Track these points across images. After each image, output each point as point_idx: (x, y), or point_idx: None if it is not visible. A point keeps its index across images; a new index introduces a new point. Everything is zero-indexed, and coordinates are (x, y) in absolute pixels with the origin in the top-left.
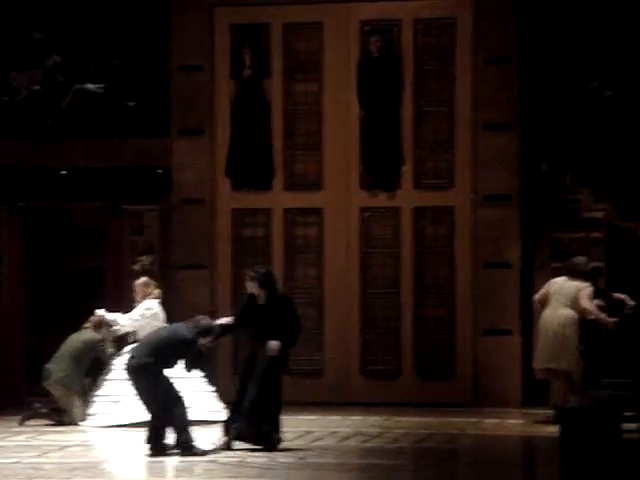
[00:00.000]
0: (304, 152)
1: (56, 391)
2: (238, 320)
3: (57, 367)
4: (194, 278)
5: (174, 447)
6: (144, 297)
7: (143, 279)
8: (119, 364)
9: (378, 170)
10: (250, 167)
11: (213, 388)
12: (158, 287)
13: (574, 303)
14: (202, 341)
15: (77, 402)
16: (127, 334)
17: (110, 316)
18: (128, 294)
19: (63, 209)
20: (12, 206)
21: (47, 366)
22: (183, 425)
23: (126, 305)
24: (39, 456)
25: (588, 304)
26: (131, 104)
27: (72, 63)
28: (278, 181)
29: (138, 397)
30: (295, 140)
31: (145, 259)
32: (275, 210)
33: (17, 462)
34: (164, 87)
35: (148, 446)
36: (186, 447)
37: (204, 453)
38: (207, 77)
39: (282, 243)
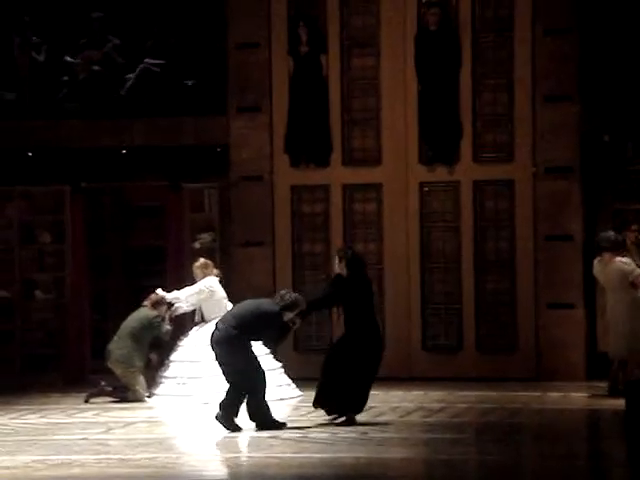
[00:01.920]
0: (362, 127)
1: (117, 369)
2: (324, 299)
3: (116, 346)
4: (254, 255)
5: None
6: (203, 278)
7: (201, 261)
8: (185, 345)
9: (437, 144)
10: (308, 143)
11: (279, 364)
12: (216, 266)
13: (624, 284)
14: (288, 316)
15: (139, 379)
16: (189, 313)
17: (170, 295)
18: (188, 272)
19: (123, 188)
20: (74, 186)
21: (108, 346)
22: (259, 396)
23: (186, 283)
24: (105, 432)
25: None
26: (189, 82)
27: (130, 43)
28: (336, 157)
29: (220, 367)
30: (353, 115)
31: (205, 237)
32: (334, 186)
33: (84, 438)
34: (221, 65)
35: (218, 413)
36: (262, 421)
37: (282, 426)
38: (264, 54)
39: (341, 219)
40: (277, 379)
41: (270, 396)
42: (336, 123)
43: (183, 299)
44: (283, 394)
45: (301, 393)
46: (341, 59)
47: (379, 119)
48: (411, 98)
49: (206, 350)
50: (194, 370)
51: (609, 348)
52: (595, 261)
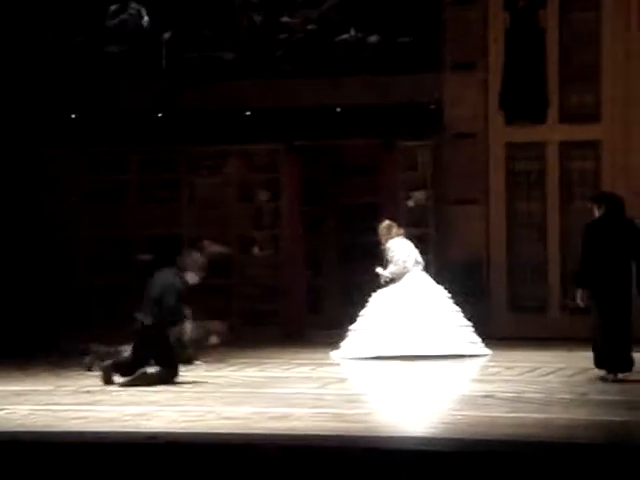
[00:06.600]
0: (580, 83)
1: None
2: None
3: None
4: (467, 213)
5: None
6: (387, 240)
7: (385, 222)
8: (375, 298)
9: None
10: (524, 100)
11: (469, 323)
12: (401, 228)
13: None
14: (192, 278)
15: None
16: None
17: (385, 273)
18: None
19: (337, 146)
20: (289, 144)
21: None
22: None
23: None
24: (321, 387)
25: None
26: (404, 40)
27: (347, 2)
28: (553, 113)
29: None
30: (571, 71)
31: (419, 195)
32: (550, 143)
33: (300, 392)
34: (436, 22)
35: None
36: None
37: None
38: (480, 10)
39: (557, 177)
40: (468, 336)
41: (462, 350)
42: (553, 79)
43: (394, 272)
44: (475, 351)
45: (489, 352)
46: (560, 13)
47: (599, 75)
48: (635, 53)
49: (385, 317)
50: (381, 322)
51: None
52: None
